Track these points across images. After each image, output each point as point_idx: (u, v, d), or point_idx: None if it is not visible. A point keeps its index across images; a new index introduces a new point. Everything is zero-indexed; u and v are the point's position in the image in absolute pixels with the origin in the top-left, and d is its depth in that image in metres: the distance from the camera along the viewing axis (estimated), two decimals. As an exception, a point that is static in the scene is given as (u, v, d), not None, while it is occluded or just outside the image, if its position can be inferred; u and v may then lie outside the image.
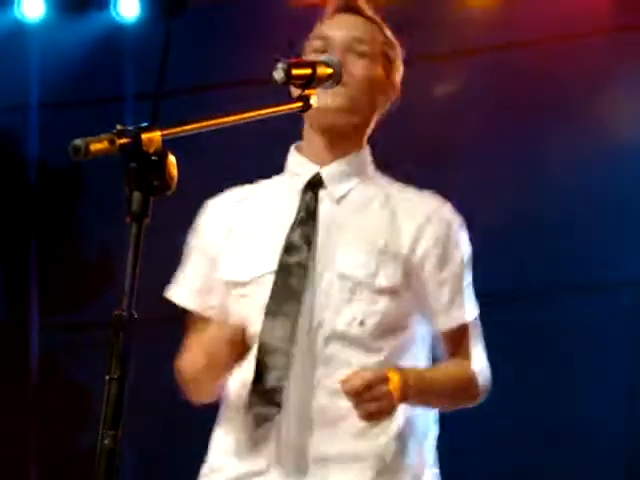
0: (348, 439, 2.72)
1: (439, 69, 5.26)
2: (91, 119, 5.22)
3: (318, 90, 2.53)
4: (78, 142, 2.01)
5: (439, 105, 5.21)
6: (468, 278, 2.86)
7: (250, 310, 2.76)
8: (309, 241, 2.77)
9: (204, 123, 2.24)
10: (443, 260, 2.81)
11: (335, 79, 2.49)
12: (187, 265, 2.88)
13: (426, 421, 2.84)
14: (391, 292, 2.75)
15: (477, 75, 5.02)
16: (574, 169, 5.12)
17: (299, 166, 2.82)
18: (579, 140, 5.07)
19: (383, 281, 2.74)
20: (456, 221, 2.84)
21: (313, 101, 2.43)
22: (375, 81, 2.82)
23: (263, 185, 2.90)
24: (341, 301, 2.73)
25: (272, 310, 2.71)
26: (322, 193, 2.80)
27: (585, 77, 5.00)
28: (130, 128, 2.05)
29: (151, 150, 2.07)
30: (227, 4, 5.40)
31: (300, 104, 2.40)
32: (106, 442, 1.98)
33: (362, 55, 2.80)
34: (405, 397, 2.63)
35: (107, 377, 1.98)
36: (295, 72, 2.37)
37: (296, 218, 2.77)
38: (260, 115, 2.33)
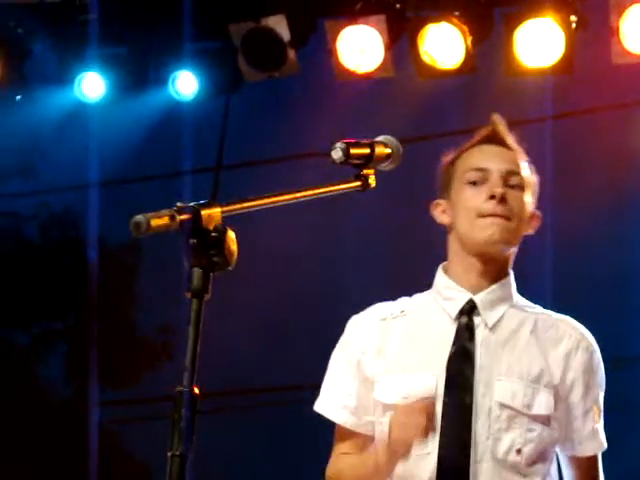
0: None
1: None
2: (151, 195, 5.34)
3: (486, 220, 2.66)
4: (139, 218, 1.90)
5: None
6: (600, 411, 2.75)
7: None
8: (471, 369, 2.68)
9: (263, 200, 2.14)
10: (587, 388, 2.73)
11: (394, 159, 2.36)
12: (336, 379, 2.78)
13: None
14: (545, 420, 2.69)
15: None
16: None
17: (450, 290, 2.74)
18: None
19: (538, 410, 2.66)
20: (596, 349, 2.76)
21: (371, 181, 2.30)
22: (527, 212, 2.76)
23: (412, 304, 2.81)
24: (499, 430, 2.66)
25: (446, 434, 2.64)
26: (477, 320, 2.72)
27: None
28: (190, 205, 1.94)
29: (211, 227, 1.97)
30: (281, 80, 5.34)
31: (359, 183, 2.29)
32: None
33: (518, 188, 2.72)
34: None
35: (169, 454, 1.85)
36: (353, 152, 2.27)
37: (454, 347, 2.68)
38: (319, 193, 2.26)
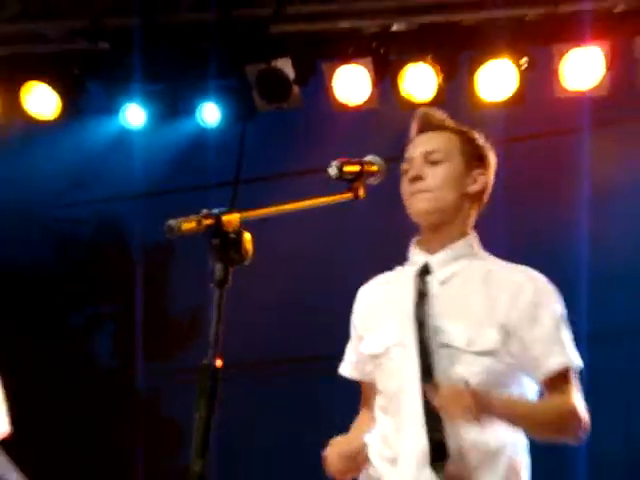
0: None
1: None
2: (182, 204, 5.29)
3: (411, 199, 2.79)
4: (172, 222, 2.15)
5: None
6: (562, 333, 2.79)
7: (385, 375, 2.84)
8: (425, 317, 2.78)
9: (274, 209, 2.44)
10: (537, 320, 2.76)
11: (380, 175, 2.62)
12: (348, 343, 2.99)
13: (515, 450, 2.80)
14: (490, 355, 2.75)
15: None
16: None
17: (414, 256, 2.87)
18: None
19: (482, 346, 2.74)
20: (545, 287, 2.81)
21: (361, 192, 2.56)
22: (455, 178, 2.86)
23: (395, 272, 2.96)
24: (448, 366, 2.75)
25: (425, 376, 2.74)
26: (429, 278, 2.83)
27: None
28: (214, 211, 2.19)
29: (230, 229, 2.19)
30: (287, 111, 5.46)
31: (351, 194, 2.56)
32: (195, 468, 2.06)
33: (439, 162, 2.85)
34: (487, 410, 2.63)
35: (196, 415, 2.05)
36: (346, 169, 2.53)
37: (415, 302, 2.79)
38: (317, 203, 2.51)
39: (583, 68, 4.93)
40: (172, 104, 5.48)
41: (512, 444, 2.80)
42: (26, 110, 5.43)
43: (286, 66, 5.19)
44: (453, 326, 2.79)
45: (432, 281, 2.82)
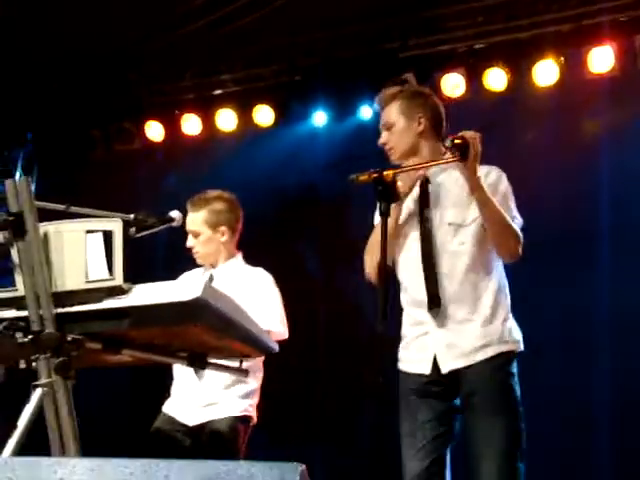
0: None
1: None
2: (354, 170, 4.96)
3: (389, 155, 3.17)
4: (352, 176, 2.68)
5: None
6: (511, 200, 3.18)
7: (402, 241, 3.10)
8: (429, 208, 3.19)
9: (410, 167, 3.03)
10: (495, 191, 3.19)
11: (473, 145, 2.98)
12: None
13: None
14: (473, 224, 3.22)
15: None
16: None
17: (415, 177, 3.17)
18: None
19: (469, 221, 3.19)
20: (497, 171, 3.21)
21: (465, 156, 2.97)
22: (401, 130, 3.22)
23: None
24: (452, 235, 3.18)
25: (425, 239, 3.11)
26: (429, 185, 3.25)
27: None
28: (376, 169, 2.67)
29: (388, 180, 2.65)
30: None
31: (459, 157, 2.95)
32: (379, 328, 2.49)
33: (389, 126, 3.27)
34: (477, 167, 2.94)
35: (378, 292, 2.53)
36: (455, 142, 2.99)
37: (421, 200, 3.14)
38: (438, 163, 3.13)
39: (601, 60, 5.50)
40: (342, 109, 6.14)
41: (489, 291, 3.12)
42: (256, 122, 6.30)
43: (411, 77, 5.77)
44: (451, 210, 3.19)
45: (430, 186, 3.25)
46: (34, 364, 2.13)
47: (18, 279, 2.14)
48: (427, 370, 3.07)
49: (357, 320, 5.48)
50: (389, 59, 5.81)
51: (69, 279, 2.06)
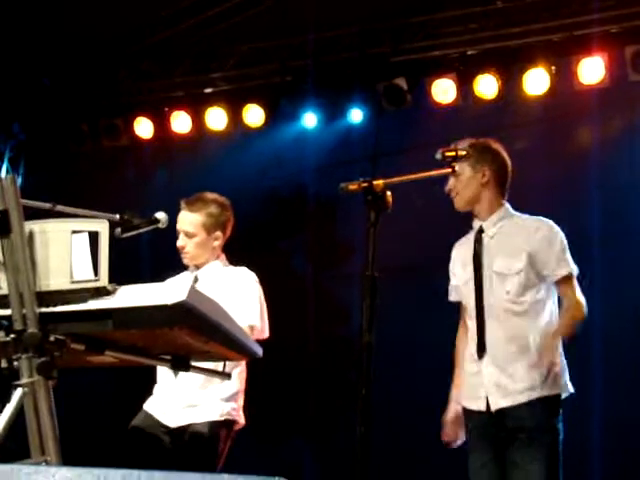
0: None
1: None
2: (343, 176, 4.80)
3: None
4: (342, 185, 2.59)
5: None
6: (567, 253, 3.39)
7: (465, 297, 3.41)
8: (481, 259, 3.44)
9: (402, 178, 2.76)
10: (550, 247, 3.43)
11: (467, 155, 3.06)
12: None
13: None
14: (519, 272, 3.40)
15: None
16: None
17: (474, 222, 3.51)
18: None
19: (515, 269, 3.41)
20: (552, 228, 3.44)
21: (456, 169, 2.98)
22: (466, 180, 3.45)
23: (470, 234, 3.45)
24: (497, 283, 3.40)
25: (480, 295, 3.35)
26: (484, 235, 3.47)
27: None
28: (366, 179, 2.54)
29: (378, 190, 2.56)
30: (403, 110, 5.93)
31: (450, 170, 3.02)
32: (365, 339, 2.47)
33: (457, 176, 3.47)
34: (558, 335, 3.22)
35: (363, 304, 2.42)
36: (446, 154, 2.94)
37: (474, 251, 3.44)
38: (427, 175, 2.89)
39: (591, 70, 5.52)
40: (332, 111, 6.18)
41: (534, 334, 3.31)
42: (246, 122, 6.29)
43: (402, 82, 5.84)
44: (499, 260, 3.41)
45: (485, 237, 3.47)
46: (15, 363, 2.09)
47: (2, 277, 2.11)
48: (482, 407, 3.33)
49: (346, 320, 5.54)
50: (380, 63, 5.79)
51: (54, 279, 2.02)
